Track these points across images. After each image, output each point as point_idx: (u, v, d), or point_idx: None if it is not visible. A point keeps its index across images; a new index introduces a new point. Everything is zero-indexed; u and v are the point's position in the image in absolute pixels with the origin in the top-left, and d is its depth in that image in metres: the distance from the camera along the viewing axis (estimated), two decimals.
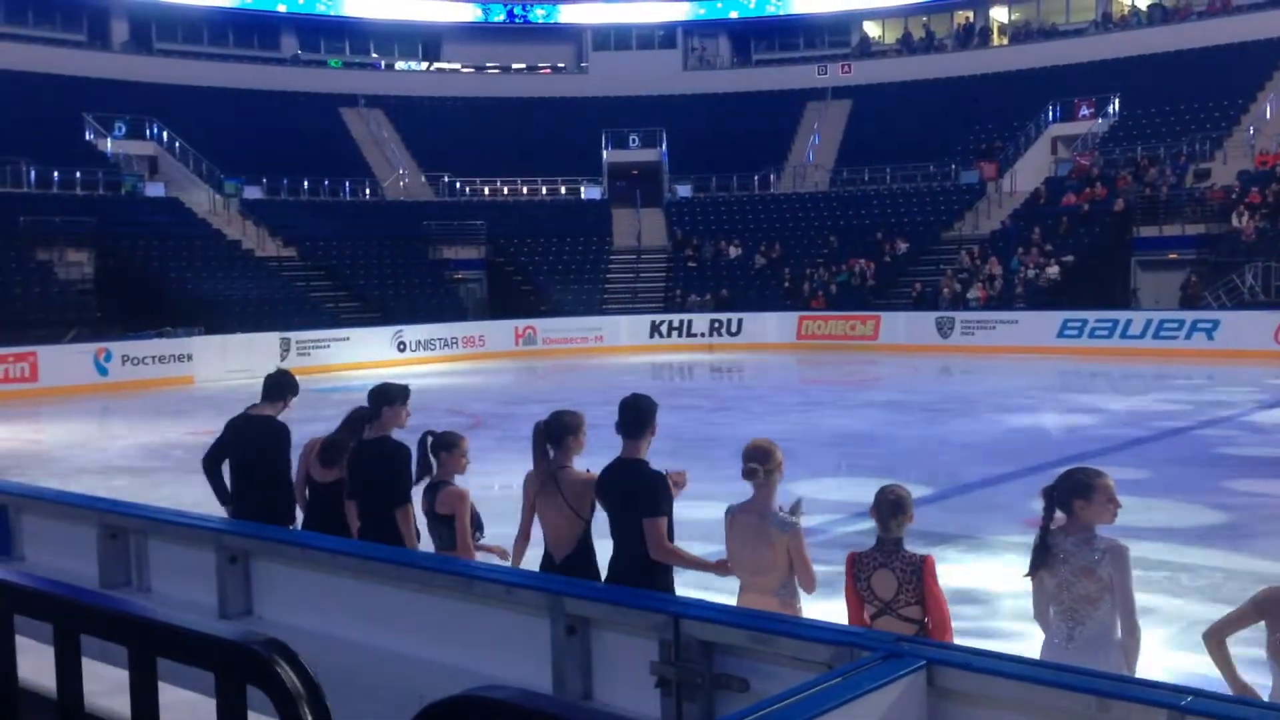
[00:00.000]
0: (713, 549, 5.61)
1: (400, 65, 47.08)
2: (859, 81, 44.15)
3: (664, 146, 41.70)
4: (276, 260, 33.55)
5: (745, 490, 5.02)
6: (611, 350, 31.71)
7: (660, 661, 2.92)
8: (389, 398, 6.27)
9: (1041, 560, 4.36)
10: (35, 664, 2.13)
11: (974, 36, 45.01)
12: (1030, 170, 36.57)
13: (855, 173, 39.51)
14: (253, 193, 36.54)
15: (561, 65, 47.58)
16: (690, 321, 33.37)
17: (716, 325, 33.08)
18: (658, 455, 5.26)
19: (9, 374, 23.35)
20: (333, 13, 45.72)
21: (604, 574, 5.27)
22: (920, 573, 4.58)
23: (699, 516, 6.56)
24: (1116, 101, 37.64)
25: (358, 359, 27.59)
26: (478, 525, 5.93)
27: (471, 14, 47.09)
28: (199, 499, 7.46)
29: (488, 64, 46.93)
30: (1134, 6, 42.67)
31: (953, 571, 8.12)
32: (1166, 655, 6.37)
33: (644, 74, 44.99)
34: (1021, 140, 38.06)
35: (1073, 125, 38.02)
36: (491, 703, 1.43)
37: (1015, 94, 39.38)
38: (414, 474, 6.03)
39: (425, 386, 19.28)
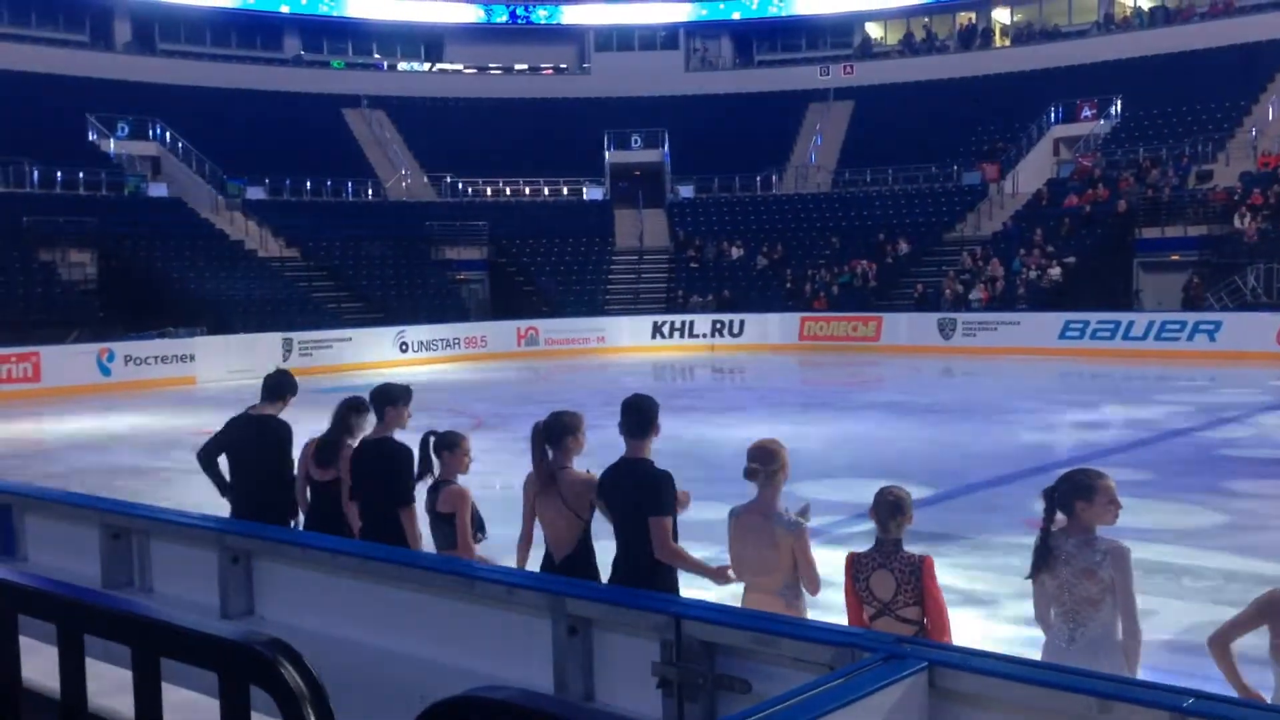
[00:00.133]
0: (713, 550, 5.62)
1: (403, 66, 47.11)
2: (861, 82, 44.15)
3: (666, 147, 41.70)
4: (279, 261, 33.57)
5: (747, 491, 5.02)
6: (613, 351, 31.72)
7: (662, 662, 2.92)
8: (391, 398, 6.28)
9: (1043, 562, 4.35)
10: (38, 664, 2.13)
11: (976, 38, 45.00)
12: (1032, 171, 36.56)
13: (857, 174, 39.51)
14: (255, 193, 36.56)
15: (564, 66, 47.60)
16: (692, 322, 33.37)
17: (718, 326, 33.09)
18: (658, 457, 5.26)
19: (12, 374, 23.38)
20: (335, 13, 45.75)
21: (606, 574, 5.28)
22: (919, 573, 4.58)
23: (699, 518, 6.56)
24: (1119, 103, 37.63)
25: (360, 359, 27.62)
26: (479, 525, 5.94)
27: (474, 15, 47.11)
28: (201, 499, 7.47)
29: (490, 65, 46.95)
30: (1136, 8, 42.66)
31: (954, 572, 8.12)
32: (1168, 657, 6.37)
33: (646, 75, 44.99)
34: (1024, 141, 38.06)
35: (1075, 126, 38.01)
36: (493, 703, 1.44)
37: (1017, 95, 39.37)
38: (416, 474, 6.04)
39: (427, 387, 19.29)
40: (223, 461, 7.00)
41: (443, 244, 36.45)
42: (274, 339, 26.98)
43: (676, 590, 5.05)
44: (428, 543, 6.01)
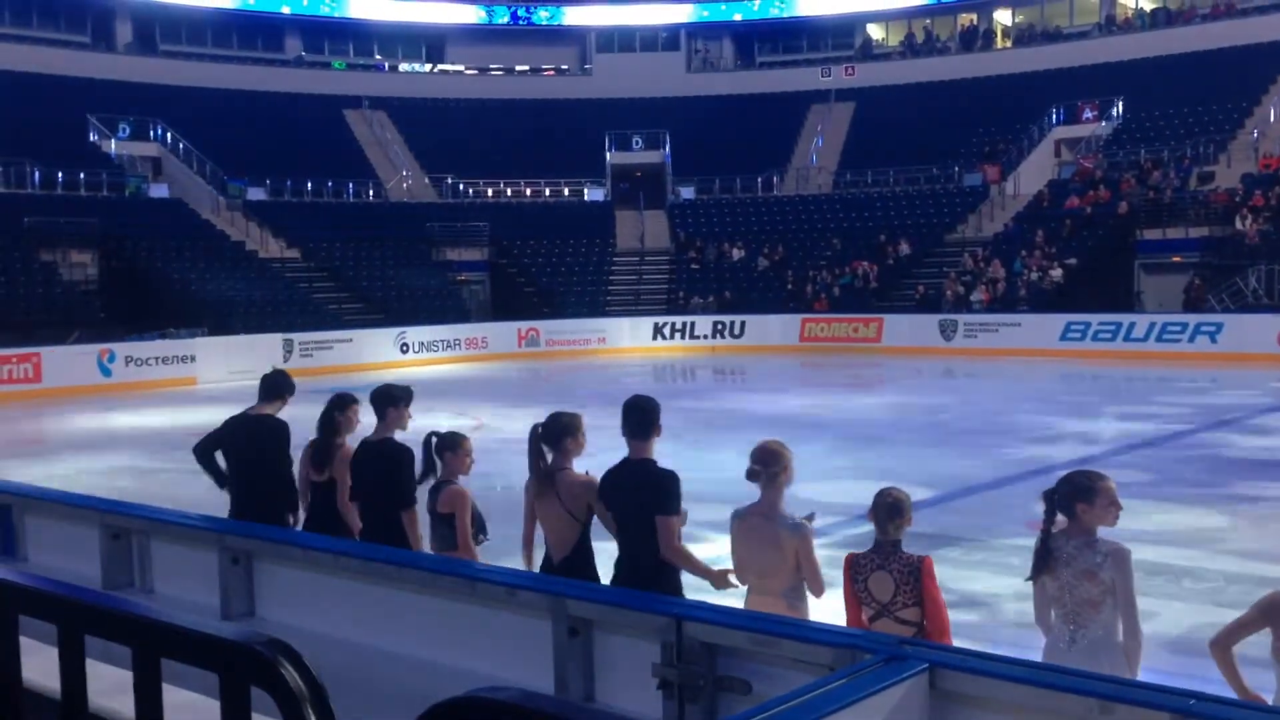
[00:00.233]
0: (714, 552, 5.61)
1: (404, 67, 47.13)
2: (862, 84, 44.16)
3: (667, 148, 41.71)
4: (280, 261, 33.59)
5: (748, 493, 5.02)
6: (614, 352, 31.72)
7: (662, 663, 2.92)
8: (392, 399, 6.29)
9: (1043, 564, 4.35)
10: (39, 664, 2.13)
11: (977, 39, 45.00)
12: (1034, 173, 36.57)
13: (858, 175, 39.52)
14: (256, 194, 36.58)
15: (565, 67, 47.62)
16: (693, 323, 33.37)
17: (719, 327, 33.09)
18: (659, 458, 5.26)
19: (13, 374, 23.38)
20: (336, 14, 45.77)
21: (605, 576, 5.27)
22: (918, 574, 4.56)
23: (701, 519, 6.56)
24: (1120, 104, 37.63)
25: (361, 360, 27.62)
26: (480, 526, 5.94)
27: (475, 16, 47.13)
28: (202, 500, 7.47)
29: (491, 66, 46.96)
30: (1138, 9, 42.66)
31: (955, 574, 8.12)
32: (1169, 659, 6.36)
33: (647, 76, 45.02)
34: (1025, 143, 38.06)
35: (1076, 128, 38.01)
36: (494, 704, 1.44)
37: (1019, 96, 39.37)
38: (420, 474, 6.04)
39: (428, 388, 19.28)
40: (221, 462, 7.04)
41: (444, 245, 36.46)
42: (275, 340, 26.99)
43: (680, 591, 5.05)
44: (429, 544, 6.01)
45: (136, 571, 4.61)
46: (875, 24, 47.83)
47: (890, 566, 4.58)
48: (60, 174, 33.09)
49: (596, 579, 5.18)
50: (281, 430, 6.86)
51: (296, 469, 6.87)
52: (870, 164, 39.27)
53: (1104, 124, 37.62)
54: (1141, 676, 4.13)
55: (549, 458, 5.40)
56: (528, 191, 40.91)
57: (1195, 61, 37.09)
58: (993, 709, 2.37)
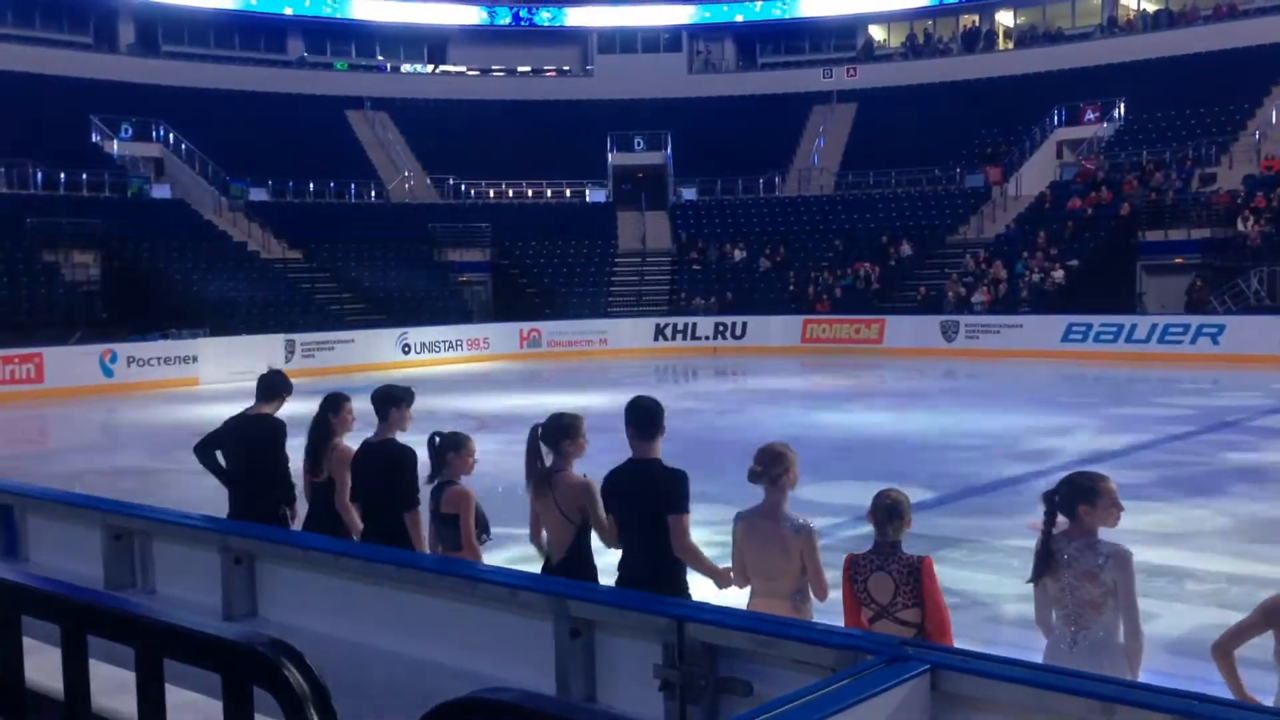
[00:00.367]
0: (713, 554, 5.60)
1: (406, 68, 47.14)
2: (864, 85, 44.16)
3: (669, 149, 41.71)
4: (282, 262, 33.60)
5: (749, 494, 5.01)
6: (616, 353, 31.71)
7: (664, 664, 2.92)
8: (394, 399, 6.30)
9: (1044, 566, 4.35)
10: (42, 665, 2.14)
11: (979, 40, 44.99)
12: (1035, 174, 36.55)
13: (860, 176, 39.51)
14: (258, 195, 36.60)
15: (567, 68, 47.62)
16: (695, 324, 33.37)
17: (721, 328, 33.08)
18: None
19: (15, 375, 23.39)
20: (339, 15, 45.79)
21: (604, 577, 5.27)
22: (918, 574, 4.55)
23: (701, 519, 6.56)
24: (1122, 106, 37.61)
25: (362, 361, 27.63)
26: (483, 526, 5.94)
27: (477, 17, 47.13)
28: (204, 500, 7.49)
29: (493, 67, 46.98)
30: (1140, 11, 42.65)
31: (956, 575, 8.12)
32: (1170, 660, 6.36)
33: (649, 77, 45.02)
34: (1027, 144, 38.05)
35: (1078, 129, 38.00)
36: (495, 705, 1.44)
37: (1020, 98, 39.35)
38: (429, 474, 6.03)
39: (430, 388, 19.28)
40: (222, 461, 7.13)
41: (445, 246, 36.47)
42: (277, 340, 27.00)
43: (687, 591, 5.06)
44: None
45: (138, 572, 4.62)
46: (877, 25, 47.83)
47: (890, 567, 4.58)
48: (62, 175, 33.10)
49: (595, 579, 5.18)
50: (278, 428, 6.98)
51: (297, 466, 6.92)
52: (872, 165, 39.27)
53: (1106, 125, 37.61)
54: (1142, 678, 4.13)
55: (550, 459, 5.40)
56: (529, 192, 40.92)
57: (1197, 63, 37.07)
58: (994, 710, 2.37)
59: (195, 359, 25.91)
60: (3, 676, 2.09)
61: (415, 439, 6.22)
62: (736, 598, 5.10)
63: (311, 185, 37.36)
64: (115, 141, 36.93)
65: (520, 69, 47.07)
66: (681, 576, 5.09)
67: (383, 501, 6.15)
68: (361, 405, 6.73)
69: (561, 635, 3.18)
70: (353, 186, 38.44)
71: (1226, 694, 3.99)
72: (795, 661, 2.69)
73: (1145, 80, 37.33)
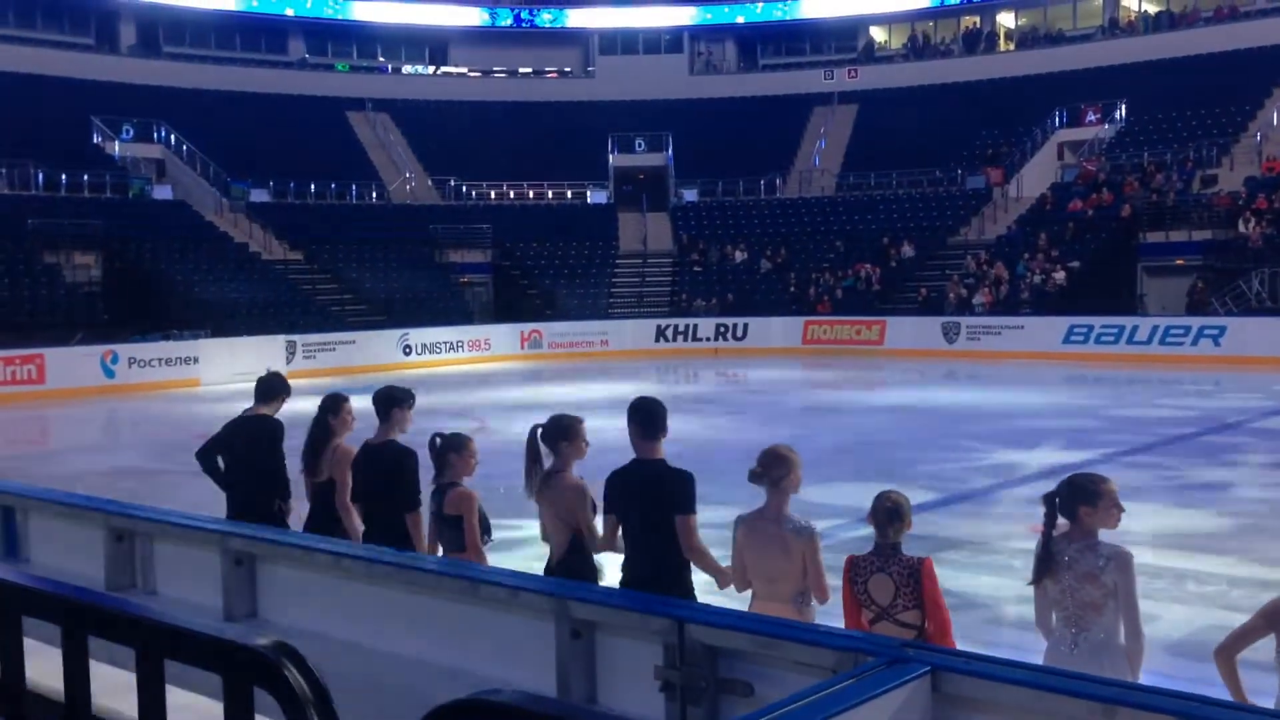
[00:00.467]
0: (715, 555, 5.60)
1: (407, 69, 47.16)
2: (865, 86, 44.15)
3: (670, 151, 41.72)
4: (283, 263, 33.61)
5: (751, 496, 5.01)
6: (617, 354, 31.71)
7: (664, 666, 2.92)
8: (397, 400, 6.30)
9: (1045, 567, 4.35)
10: (43, 666, 2.14)
11: (980, 41, 44.99)
12: (1036, 176, 36.55)
13: (861, 177, 39.52)
14: (260, 196, 36.63)
15: (568, 69, 47.64)
16: (696, 326, 33.37)
17: (722, 329, 33.08)
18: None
19: (16, 376, 23.41)
20: (340, 17, 45.81)
21: (608, 578, 5.28)
22: (918, 576, 4.54)
23: (701, 521, 6.55)
24: (1123, 107, 37.61)
25: (364, 362, 27.64)
26: (485, 527, 5.94)
27: (478, 18, 47.15)
28: (205, 501, 7.50)
29: (494, 68, 46.99)
30: (1141, 12, 42.64)
31: (956, 577, 8.12)
32: (1171, 662, 6.36)
33: (650, 78, 45.03)
34: (1028, 146, 38.04)
35: (1079, 131, 37.99)
36: (496, 706, 1.44)
37: (1021, 99, 39.35)
38: (432, 476, 6.04)
39: (431, 389, 19.29)
40: (222, 465, 7.18)
41: (447, 247, 36.48)
42: (278, 341, 27.00)
43: (692, 591, 5.06)
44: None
45: (139, 573, 4.62)
46: (878, 26, 47.83)
47: (890, 569, 4.57)
48: (64, 176, 33.12)
49: (596, 580, 5.18)
50: (276, 427, 7.06)
51: (296, 466, 6.94)
52: (873, 166, 39.27)
53: (1107, 127, 37.61)
54: (1143, 679, 4.13)
55: (550, 459, 5.41)
56: (530, 193, 40.93)
57: (1198, 65, 37.07)
58: (995, 712, 2.37)
59: (196, 360, 25.92)
60: (4, 677, 2.09)
61: (416, 440, 6.23)
62: (737, 598, 5.10)
63: (313, 186, 37.39)
64: (116, 142, 36.95)
65: (521, 70, 47.09)
66: (687, 577, 5.09)
67: (384, 502, 6.15)
68: (362, 405, 6.74)
69: (562, 636, 3.18)
70: (354, 188, 38.46)
71: (1227, 696, 3.99)
72: (796, 663, 2.69)
73: (1146, 82, 37.33)
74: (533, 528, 5.78)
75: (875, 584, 4.58)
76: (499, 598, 3.41)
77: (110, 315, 28.36)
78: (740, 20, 47.74)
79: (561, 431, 5.38)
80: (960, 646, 4.49)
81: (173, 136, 37.61)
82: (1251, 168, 32.14)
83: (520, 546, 8.22)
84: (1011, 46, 44.83)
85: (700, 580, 5.21)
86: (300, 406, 7.56)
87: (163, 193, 35.85)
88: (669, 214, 39.96)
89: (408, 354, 29.71)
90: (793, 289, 34.34)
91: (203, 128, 37.44)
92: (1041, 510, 4.42)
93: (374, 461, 6.22)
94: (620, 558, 5.34)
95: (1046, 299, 29.83)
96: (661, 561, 5.00)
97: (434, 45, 47.37)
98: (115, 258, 30.61)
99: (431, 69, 47.38)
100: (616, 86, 44.61)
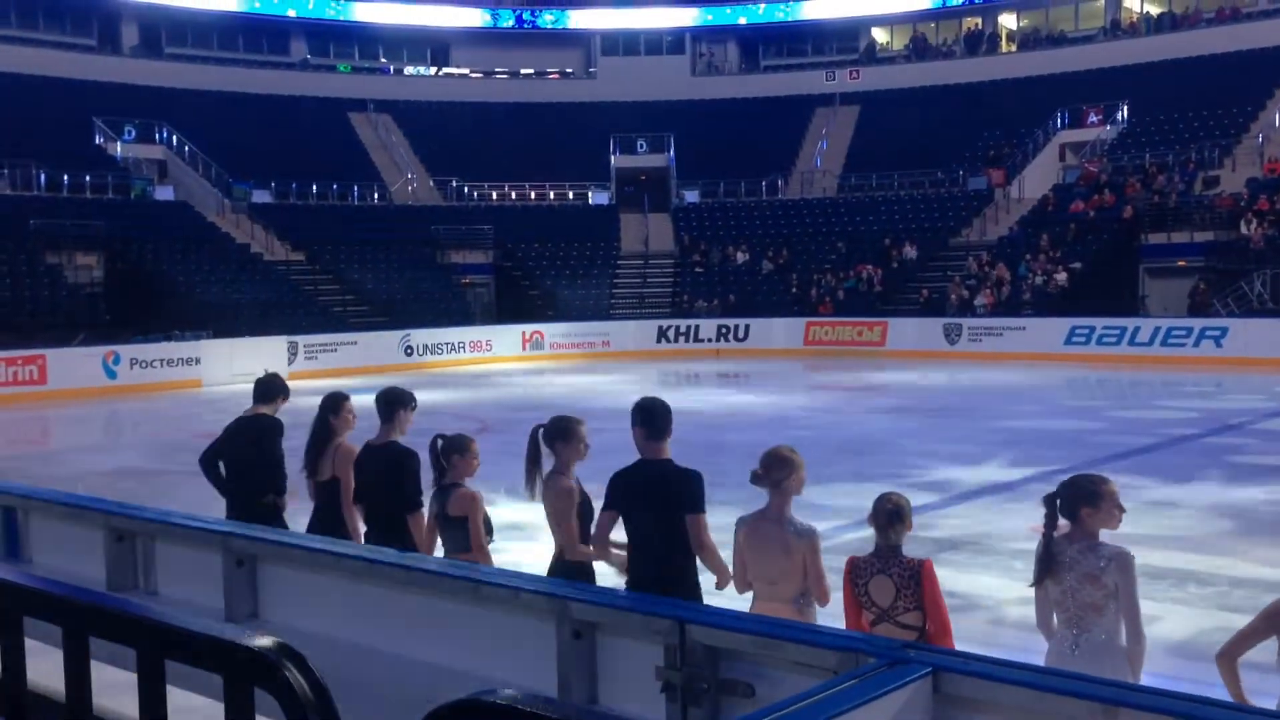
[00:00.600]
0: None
1: (409, 70, 47.19)
2: (867, 87, 44.16)
3: (672, 152, 41.73)
4: (285, 264, 33.63)
5: (752, 497, 5.01)
6: (618, 355, 31.71)
7: (665, 666, 2.92)
8: (400, 401, 6.31)
9: (1046, 569, 4.34)
10: (43, 666, 2.14)
11: (982, 43, 44.99)
12: (1038, 177, 36.55)
13: (863, 178, 39.52)
14: (261, 197, 36.65)
15: (570, 70, 47.65)
16: (697, 327, 33.38)
17: (724, 331, 33.08)
18: None
19: (18, 376, 23.42)
20: (342, 18, 45.83)
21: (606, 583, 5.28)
22: (919, 577, 4.53)
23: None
24: (1125, 108, 37.61)
25: (365, 363, 27.64)
26: (488, 527, 5.94)
27: (480, 19, 47.17)
28: (206, 502, 7.51)
29: (496, 69, 47.01)
30: (1143, 13, 42.64)
31: (957, 578, 8.12)
32: (1172, 663, 6.35)
33: (652, 79, 45.04)
34: (1030, 147, 38.05)
35: (1081, 132, 37.99)
36: (497, 707, 1.44)
37: (1023, 100, 39.35)
38: (433, 477, 6.04)
39: (432, 390, 19.31)
40: (224, 470, 7.23)
41: (448, 248, 36.50)
42: (279, 342, 27.01)
43: (699, 590, 5.06)
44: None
45: (140, 573, 4.61)
46: (880, 27, 47.83)
47: (891, 571, 4.57)
48: (66, 176, 33.15)
49: (593, 580, 5.19)
50: (274, 425, 7.12)
51: (295, 465, 6.97)
52: (875, 167, 39.28)
53: (1109, 128, 37.61)
54: (1144, 681, 4.13)
55: (550, 460, 5.42)
56: (532, 194, 40.95)
57: (1200, 66, 37.08)
58: (996, 713, 2.37)
59: (198, 361, 25.93)
60: (5, 678, 2.09)
61: (415, 440, 6.23)
62: (737, 599, 5.09)
63: (314, 187, 37.41)
64: (118, 143, 36.98)
65: (523, 71, 47.11)
66: (693, 576, 5.09)
67: (385, 503, 6.16)
68: (362, 405, 6.74)
69: (564, 637, 3.18)
70: (355, 188, 38.49)
71: (1228, 698, 3.99)
72: (797, 664, 2.69)
73: (1148, 83, 37.33)
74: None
75: (876, 586, 4.58)
76: (500, 598, 3.41)
77: (112, 316, 28.38)
78: (742, 21, 47.75)
79: (560, 433, 5.38)
80: (961, 648, 4.49)
81: (175, 137, 37.64)
82: (1253, 169, 32.14)
83: (544, 543, 8.22)
84: (1013, 48, 44.83)
85: (708, 578, 5.21)
86: (300, 406, 7.57)
87: (164, 193, 35.87)
88: (670, 215, 39.98)
89: (409, 355, 29.72)
90: (794, 290, 34.34)
91: (205, 128, 37.46)
92: (1042, 511, 4.42)
93: (375, 462, 6.23)
94: (609, 568, 5.36)
95: (1048, 300, 29.82)
96: (667, 561, 5.01)
97: (436, 46, 47.40)
98: (117, 258, 30.63)
99: (433, 70, 47.40)
100: (618, 87, 44.62)
